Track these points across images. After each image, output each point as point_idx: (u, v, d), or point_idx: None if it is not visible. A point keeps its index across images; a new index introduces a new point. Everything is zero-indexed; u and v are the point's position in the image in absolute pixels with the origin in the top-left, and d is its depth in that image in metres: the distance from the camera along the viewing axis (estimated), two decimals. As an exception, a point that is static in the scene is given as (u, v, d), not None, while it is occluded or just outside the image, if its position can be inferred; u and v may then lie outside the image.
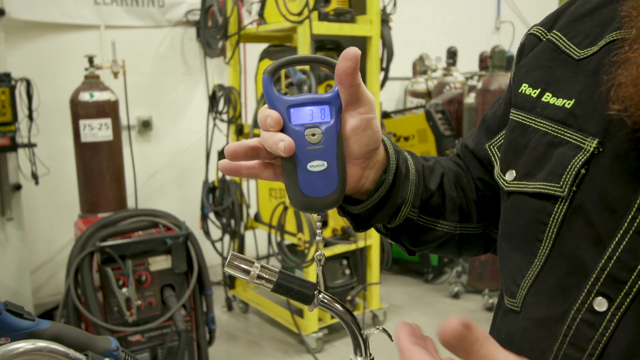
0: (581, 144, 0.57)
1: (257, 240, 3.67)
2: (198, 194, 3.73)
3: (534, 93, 0.63)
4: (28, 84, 3.14)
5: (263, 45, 3.57)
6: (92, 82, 2.92)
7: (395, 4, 3.53)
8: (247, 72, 3.79)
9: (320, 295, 0.62)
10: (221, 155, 3.76)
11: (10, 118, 3.02)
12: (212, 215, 3.67)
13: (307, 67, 2.82)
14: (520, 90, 0.66)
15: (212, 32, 3.64)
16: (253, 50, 3.89)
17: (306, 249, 2.98)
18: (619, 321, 0.52)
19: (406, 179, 0.69)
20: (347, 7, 3.14)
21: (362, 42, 3.17)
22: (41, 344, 0.57)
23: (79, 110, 2.88)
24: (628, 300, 0.51)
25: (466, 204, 0.76)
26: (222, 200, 3.55)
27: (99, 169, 2.93)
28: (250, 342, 3.34)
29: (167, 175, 4.22)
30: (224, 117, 3.55)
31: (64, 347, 0.58)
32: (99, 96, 2.87)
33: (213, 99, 3.55)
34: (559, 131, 0.60)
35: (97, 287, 2.38)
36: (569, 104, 0.58)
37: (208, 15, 3.70)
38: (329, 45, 3.22)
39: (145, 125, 4.09)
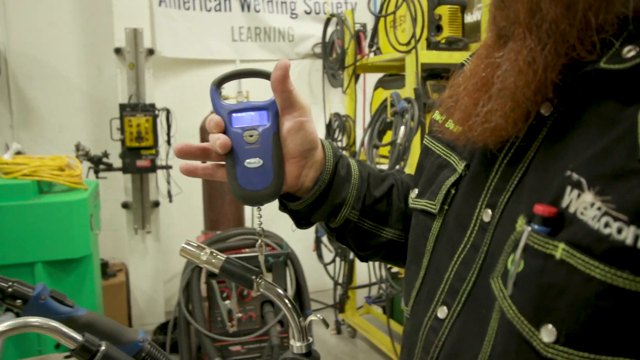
0: (456, 166, 0.63)
1: (369, 266, 3.71)
2: (315, 217, 3.88)
3: (441, 119, 0.66)
4: (168, 113, 3.56)
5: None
6: (219, 111, 3.23)
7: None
8: (367, 100, 3.90)
9: (262, 281, 0.69)
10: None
11: (152, 143, 3.45)
12: (325, 239, 3.79)
13: (412, 95, 2.84)
14: (433, 116, 0.70)
15: (332, 63, 3.82)
16: (376, 80, 4.00)
17: (407, 277, 2.95)
18: (451, 327, 0.57)
19: (347, 182, 0.75)
20: (460, 35, 3.11)
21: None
22: (41, 320, 0.69)
23: (207, 137, 3.17)
24: (459, 307, 0.56)
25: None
26: (334, 224, 3.66)
27: (221, 190, 3.21)
28: (354, 367, 3.36)
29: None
30: (339, 144, 3.68)
31: (63, 326, 0.70)
32: (224, 124, 3.17)
33: (329, 127, 3.70)
34: (447, 154, 0.65)
35: (204, 297, 2.60)
36: (458, 129, 0.61)
37: (332, 48, 3.89)
38: (443, 74, 3.21)
39: (272, 151, 4.38)
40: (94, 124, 3.88)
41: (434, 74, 3.18)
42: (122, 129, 3.40)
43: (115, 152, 3.52)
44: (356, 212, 0.77)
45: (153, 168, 3.50)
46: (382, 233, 0.79)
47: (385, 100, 3.06)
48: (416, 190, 0.70)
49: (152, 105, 3.48)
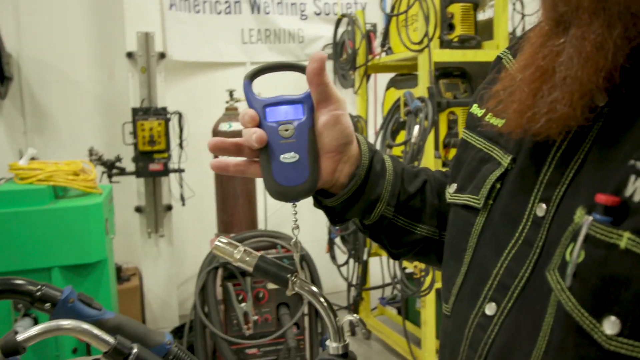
0: (501, 160, 0.61)
1: (382, 267, 3.69)
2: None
3: (480, 113, 0.65)
4: (180, 116, 3.57)
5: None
6: (231, 113, 3.23)
7: (524, 28, 3.38)
8: (378, 101, 3.88)
9: (296, 280, 0.68)
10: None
11: (164, 146, 3.45)
12: (338, 240, 3.78)
13: (426, 94, 2.82)
14: (471, 110, 0.68)
15: (343, 64, 3.81)
16: (387, 80, 3.99)
17: (422, 277, 2.93)
18: (501, 324, 0.55)
19: (381, 177, 0.74)
20: (472, 33, 3.09)
21: (489, 68, 3.09)
22: (74, 322, 0.68)
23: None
24: (510, 304, 0.54)
25: (447, 212, 0.77)
26: (347, 225, 3.64)
27: (234, 192, 3.21)
28: (369, 369, 3.34)
29: (302, 201, 4.44)
30: (352, 145, 3.67)
31: (95, 329, 0.69)
32: (236, 126, 3.16)
33: (341, 128, 3.68)
34: (489, 148, 0.63)
35: (220, 300, 2.59)
36: (501, 123, 0.59)
37: (343, 48, 3.88)
38: (455, 72, 3.19)
39: (283, 153, 4.37)
40: (106, 128, 3.89)
41: (446, 72, 3.16)
42: (134, 133, 3.41)
43: (127, 156, 3.53)
44: (391, 208, 0.75)
45: (166, 172, 3.50)
46: (416, 230, 0.78)
47: (398, 99, 3.04)
48: (455, 185, 0.69)
49: (164, 109, 3.48)
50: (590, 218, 0.44)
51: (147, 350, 0.75)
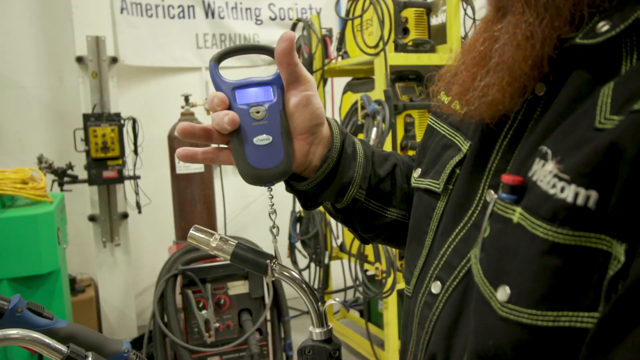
0: (461, 146, 0.62)
1: (344, 270, 3.69)
2: (288, 224, 3.85)
3: (447, 100, 0.66)
4: (134, 122, 3.48)
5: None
6: (187, 118, 3.17)
7: (479, 31, 3.46)
8: (335, 105, 3.90)
9: (276, 266, 0.66)
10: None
11: (118, 153, 3.36)
12: (299, 245, 3.77)
13: (382, 97, 2.85)
14: (439, 97, 0.69)
15: (300, 68, 3.81)
16: (343, 84, 4.01)
17: (384, 279, 2.95)
18: (446, 301, 0.57)
19: (353, 160, 0.74)
20: (426, 37, 3.14)
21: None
22: (22, 332, 0.64)
23: (175, 145, 3.13)
24: (455, 282, 0.56)
25: None
26: (307, 229, 3.63)
27: (191, 198, 3.15)
28: (332, 373, 3.33)
29: (260, 206, 4.40)
30: (310, 149, 3.67)
31: (46, 337, 0.65)
32: (193, 131, 3.11)
33: (300, 132, 3.68)
34: (452, 134, 0.65)
35: (180, 308, 2.53)
36: (464, 110, 0.60)
37: (299, 53, 3.88)
38: (411, 76, 3.24)
39: (241, 158, 4.33)
40: (56, 135, 3.76)
41: (402, 76, 3.20)
42: (86, 140, 3.31)
43: (80, 164, 3.42)
44: (363, 191, 0.76)
45: (120, 179, 3.41)
46: (386, 213, 0.79)
47: (356, 103, 3.06)
48: (419, 170, 0.70)
49: (118, 115, 3.40)
50: (496, 196, 0.48)
51: (102, 359, 0.72)
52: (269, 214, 0.69)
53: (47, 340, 0.66)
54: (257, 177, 0.64)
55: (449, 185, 0.62)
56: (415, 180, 0.70)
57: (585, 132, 0.43)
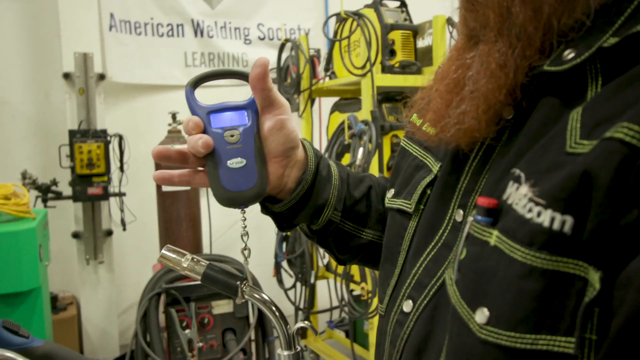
0: (432, 167, 0.64)
1: (330, 290, 3.67)
2: (274, 243, 3.84)
3: (419, 122, 0.67)
4: (121, 138, 3.47)
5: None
6: (174, 136, 3.17)
7: (465, 54, 3.52)
8: (322, 124, 3.92)
9: (246, 288, 0.66)
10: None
11: (104, 170, 3.34)
12: (285, 264, 3.74)
13: (369, 117, 2.87)
14: (412, 119, 0.71)
15: (288, 87, 3.83)
16: (331, 104, 4.04)
17: (369, 299, 2.94)
18: (416, 320, 0.58)
19: (328, 182, 0.75)
20: (413, 59, 3.18)
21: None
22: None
23: (161, 162, 3.12)
24: (426, 301, 0.58)
25: None
26: (294, 248, 3.62)
27: (177, 216, 3.13)
28: (317, 394, 3.29)
29: (247, 225, 4.38)
30: (297, 167, 3.67)
31: (21, 357, 0.64)
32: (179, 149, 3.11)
33: (287, 151, 3.69)
34: (423, 156, 0.67)
35: (163, 328, 2.50)
36: (434, 131, 0.62)
37: (287, 73, 3.91)
38: (398, 97, 3.27)
39: (228, 176, 4.32)
40: (41, 151, 3.73)
41: (389, 97, 3.23)
42: (72, 156, 3.29)
43: (64, 180, 3.39)
44: (338, 213, 0.77)
45: (105, 196, 3.38)
46: (362, 234, 0.80)
47: (342, 123, 3.08)
48: (392, 191, 0.71)
49: (104, 131, 3.38)
50: (471, 219, 0.49)
51: (78, 378, 0.71)
52: (242, 236, 0.70)
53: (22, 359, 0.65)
54: (230, 199, 0.65)
55: (420, 205, 0.64)
56: (388, 200, 0.72)
57: (556, 156, 0.44)
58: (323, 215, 0.75)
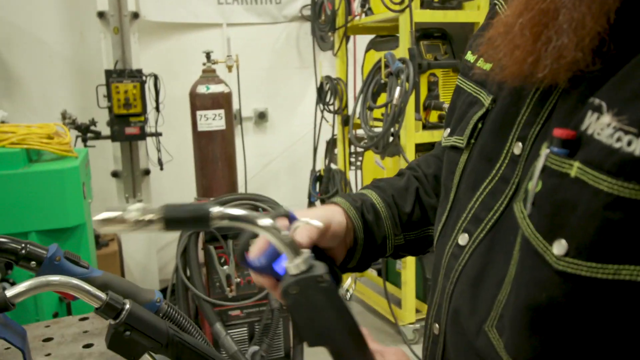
0: (484, 102, 0.64)
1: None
2: (308, 182, 3.87)
3: (473, 59, 0.67)
4: (156, 78, 3.47)
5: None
6: (208, 75, 3.16)
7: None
8: (357, 63, 3.84)
9: (217, 210, 0.54)
10: (329, 144, 3.86)
11: (140, 110, 3.36)
12: (319, 204, 3.79)
13: (406, 55, 2.79)
14: (465, 57, 0.70)
15: (322, 25, 3.74)
16: (366, 42, 3.94)
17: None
18: (472, 253, 0.59)
19: (378, 220, 0.79)
20: (453, -7, 3.05)
21: (469, 29, 3.07)
22: (64, 278, 0.66)
23: (197, 102, 3.13)
24: (482, 234, 0.58)
25: None
26: (327, 188, 3.65)
27: (213, 156, 3.17)
28: (350, 329, 3.39)
29: (281, 164, 4.41)
30: (331, 108, 3.64)
31: (86, 284, 0.67)
32: (214, 89, 3.10)
33: (321, 91, 3.65)
34: (477, 92, 0.66)
35: (202, 263, 2.58)
36: (489, 67, 0.61)
37: (321, 9, 3.81)
38: (436, 34, 3.16)
39: (261, 116, 4.31)
40: (79, 91, 3.78)
41: (427, 34, 3.13)
42: (109, 96, 3.32)
43: (102, 120, 3.44)
44: (400, 235, 0.81)
45: (142, 135, 3.43)
46: (428, 232, 0.83)
47: (379, 61, 3.01)
48: (448, 130, 0.72)
49: (140, 71, 3.39)
50: (548, 151, 0.47)
51: (139, 306, 0.74)
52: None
53: (87, 287, 0.68)
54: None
55: (471, 140, 0.64)
56: (444, 140, 0.72)
57: None
58: (388, 246, 0.80)
